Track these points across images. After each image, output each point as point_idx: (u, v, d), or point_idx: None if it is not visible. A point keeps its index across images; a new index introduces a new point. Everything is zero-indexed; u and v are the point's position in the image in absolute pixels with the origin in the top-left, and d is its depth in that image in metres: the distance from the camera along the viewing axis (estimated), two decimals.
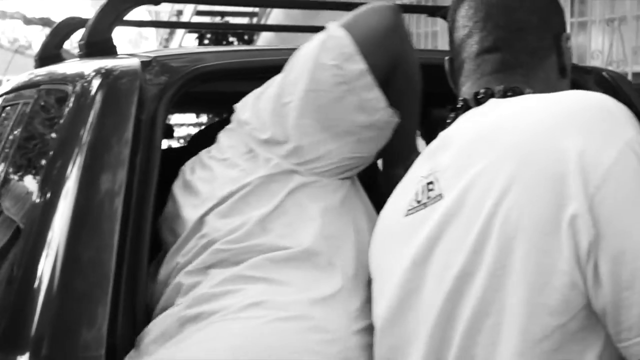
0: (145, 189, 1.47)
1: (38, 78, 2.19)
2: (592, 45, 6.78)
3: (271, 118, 1.46)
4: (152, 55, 1.68)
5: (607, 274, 0.98)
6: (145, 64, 1.62)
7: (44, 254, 1.44)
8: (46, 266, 1.41)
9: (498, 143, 1.08)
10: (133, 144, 1.49)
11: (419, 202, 1.19)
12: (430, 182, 1.17)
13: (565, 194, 0.99)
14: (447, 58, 1.35)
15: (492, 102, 1.19)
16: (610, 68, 6.48)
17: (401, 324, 1.18)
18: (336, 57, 1.42)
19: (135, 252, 1.41)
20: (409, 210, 1.21)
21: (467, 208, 1.08)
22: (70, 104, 1.63)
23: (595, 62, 6.69)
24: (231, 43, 11.16)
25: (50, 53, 2.44)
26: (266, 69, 1.85)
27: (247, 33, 11.14)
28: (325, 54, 1.43)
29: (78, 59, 2.01)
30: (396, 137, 1.51)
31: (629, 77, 6.39)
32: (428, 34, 7.96)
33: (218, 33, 11.07)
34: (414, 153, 1.54)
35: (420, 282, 1.14)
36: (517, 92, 1.20)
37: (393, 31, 1.46)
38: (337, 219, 1.41)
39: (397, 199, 1.28)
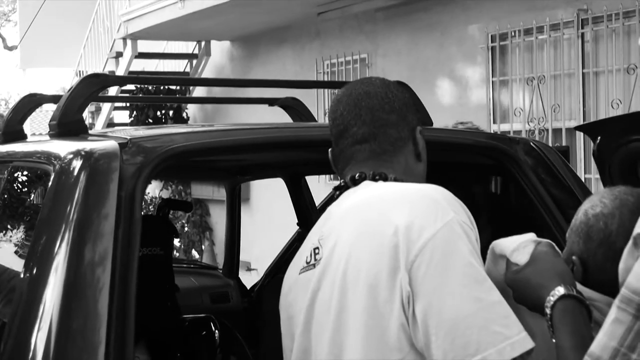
0: (129, 258, 1.63)
1: (7, 155, 2.30)
2: (514, 103, 7.14)
3: None
4: (127, 136, 1.84)
5: (420, 321, 1.32)
6: (123, 145, 1.78)
7: (35, 327, 1.57)
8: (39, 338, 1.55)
9: (356, 217, 1.46)
10: (116, 218, 1.65)
11: (308, 263, 1.53)
12: (317, 248, 1.51)
13: (397, 261, 1.35)
14: (330, 149, 1.66)
15: (365, 182, 1.54)
16: (531, 124, 6.86)
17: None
18: None
19: (122, 317, 1.56)
20: (301, 269, 1.54)
21: (331, 267, 1.44)
22: (54, 183, 1.78)
23: (517, 119, 7.05)
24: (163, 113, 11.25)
25: (13, 129, 2.54)
26: (231, 147, 2.05)
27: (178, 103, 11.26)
28: None
29: (49, 137, 2.15)
30: None
31: (550, 133, 6.75)
32: None
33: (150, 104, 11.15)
34: None
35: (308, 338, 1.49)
36: (382, 176, 1.55)
37: None
38: None
39: (297, 259, 1.59)
